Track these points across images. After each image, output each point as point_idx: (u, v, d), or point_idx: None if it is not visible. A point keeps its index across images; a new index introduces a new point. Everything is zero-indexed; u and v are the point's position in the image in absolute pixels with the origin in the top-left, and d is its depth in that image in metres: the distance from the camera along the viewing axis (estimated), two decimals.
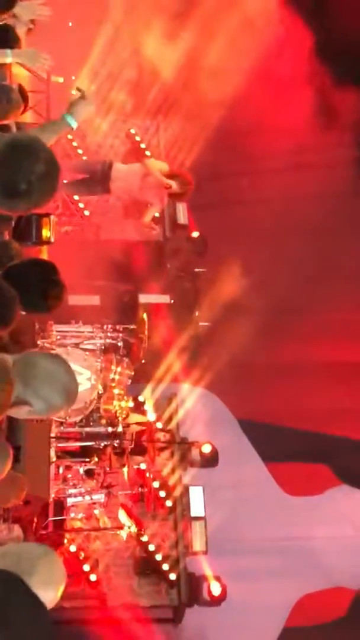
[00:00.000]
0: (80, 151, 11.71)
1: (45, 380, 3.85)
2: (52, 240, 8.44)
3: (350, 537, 11.49)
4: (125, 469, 10.09)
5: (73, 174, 10.52)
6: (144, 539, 9.92)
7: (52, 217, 8.51)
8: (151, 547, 9.90)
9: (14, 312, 4.81)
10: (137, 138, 12.30)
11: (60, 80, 12.00)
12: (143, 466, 10.29)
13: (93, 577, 9.43)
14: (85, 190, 10.64)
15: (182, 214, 11.54)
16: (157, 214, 10.91)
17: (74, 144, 11.81)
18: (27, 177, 3.75)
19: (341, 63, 12.23)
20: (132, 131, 12.38)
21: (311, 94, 12.37)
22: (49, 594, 3.06)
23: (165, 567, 9.73)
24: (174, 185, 10.17)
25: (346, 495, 11.81)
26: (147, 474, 10.26)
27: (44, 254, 9.56)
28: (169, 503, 10.13)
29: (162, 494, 10.14)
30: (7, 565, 3.05)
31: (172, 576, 9.71)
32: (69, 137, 11.93)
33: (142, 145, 12.10)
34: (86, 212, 10.95)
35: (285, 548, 11.20)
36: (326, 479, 11.85)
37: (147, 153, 11.94)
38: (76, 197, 11.11)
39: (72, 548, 9.63)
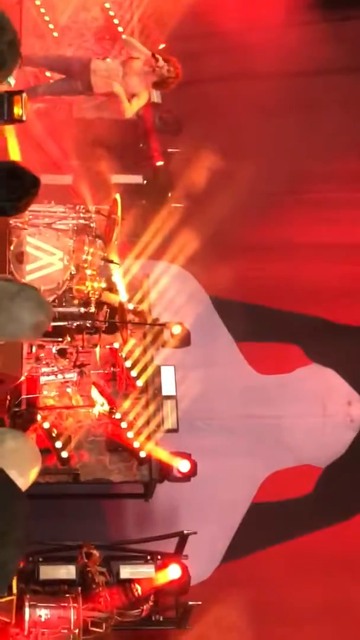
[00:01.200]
0: (51, 26, 11.43)
1: (9, 321, 3.89)
2: (24, 118, 8.22)
3: (318, 416, 11.66)
4: (97, 349, 10.16)
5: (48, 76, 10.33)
6: (117, 416, 10.04)
7: (23, 94, 8.28)
8: (123, 425, 10.02)
9: None
10: (111, 13, 11.99)
11: None
12: (116, 345, 10.36)
13: (65, 454, 9.56)
14: (67, 89, 10.35)
15: (156, 92, 11.30)
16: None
17: (46, 18, 11.52)
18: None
19: None
20: (107, 5, 12.05)
21: None
22: (22, 478, 3.16)
23: (136, 444, 9.88)
24: (160, 61, 9.94)
25: (316, 375, 11.92)
26: (120, 354, 10.34)
27: (11, 133, 9.43)
28: (140, 382, 10.22)
29: (134, 373, 10.23)
30: None
31: (143, 454, 9.86)
32: (42, 10, 11.64)
33: (116, 21, 11.80)
34: (47, 74, 10.65)
35: (254, 426, 11.38)
36: (297, 358, 11.95)
37: (120, 29, 11.67)
38: (48, 74, 10.86)
39: (46, 425, 9.73)
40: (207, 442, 10.95)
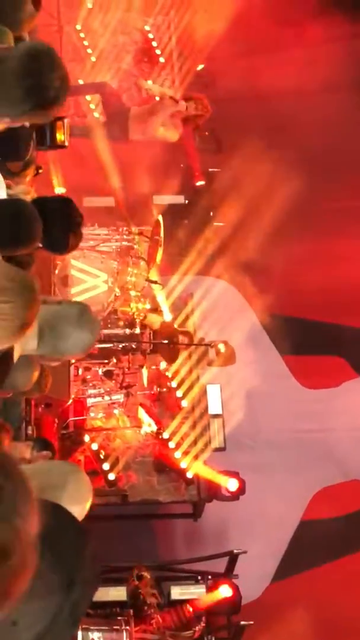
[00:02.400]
0: (89, 51, 11.32)
1: (72, 344, 3.96)
2: (67, 144, 8.17)
3: None
4: (144, 370, 10.04)
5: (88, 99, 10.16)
6: (165, 435, 9.90)
7: (65, 120, 8.20)
8: (171, 445, 9.87)
9: (37, 233, 4.71)
10: (150, 36, 11.87)
11: None
12: (163, 365, 10.23)
13: (112, 476, 9.40)
14: (104, 133, 10.17)
15: None
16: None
17: (85, 42, 11.42)
18: (53, 84, 3.74)
19: None
20: (147, 28, 11.94)
21: None
22: (77, 508, 3.05)
23: (184, 464, 9.72)
24: (181, 103, 9.77)
25: None
26: (166, 374, 10.20)
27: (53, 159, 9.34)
28: (185, 403, 10.06)
29: (179, 393, 10.07)
30: (39, 481, 3.05)
31: (190, 474, 9.70)
32: (82, 35, 11.55)
33: (154, 44, 11.68)
34: (95, 115, 10.57)
35: (302, 441, 11.13)
36: (343, 372, 11.72)
37: (158, 52, 11.55)
38: (88, 98, 10.75)
39: (94, 446, 9.61)
40: (255, 459, 10.74)
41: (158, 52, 11.51)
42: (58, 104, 3.85)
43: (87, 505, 3.19)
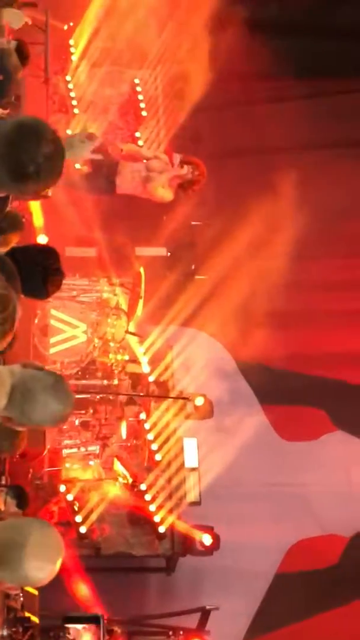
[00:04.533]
0: (74, 102, 11.25)
1: (41, 412, 3.77)
2: (50, 194, 8.07)
3: (344, 484, 11.18)
4: (123, 423, 9.87)
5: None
6: (143, 487, 9.69)
7: None
8: (147, 497, 9.66)
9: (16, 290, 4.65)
10: (138, 89, 11.81)
11: (64, 27, 11.62)
12: (143, 416, 10.06)
13: (83, 529, 9.19)
14: (89, 187, 10.07)
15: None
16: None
17: (72, 94, 11.35)
18: (34, 159, 3.63)
19: None
20: (136, 81, 11.89)
21: None
22: (39, 564, 3.25)
23: (157, 518, 9.51)
24: (185, 168, 9.71)
25: (341, 442, 11.48)
26: (144, 426, 10.03)
27: (36, 208, 9.25)
28: (158, 457, 9.86)
29: (154, 447, 9.89)
30: (2, 536, 3.29)
31: (162, 529, 9.48)
32: (70, 86, 11.50)
33: (140, 97, 11.61)
34: (77, 166, 10.45)
35: (279, 494, 10.91)
36: (322, 425, 11.54)
37: (142, 105, 11.48)
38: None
39: (69, 497, 9.43)
40: (231, 511, 10.52)
41: (142, 105, 11.44)
42: (39, 180, 3.68)
43: (57, 563, 3.28)
